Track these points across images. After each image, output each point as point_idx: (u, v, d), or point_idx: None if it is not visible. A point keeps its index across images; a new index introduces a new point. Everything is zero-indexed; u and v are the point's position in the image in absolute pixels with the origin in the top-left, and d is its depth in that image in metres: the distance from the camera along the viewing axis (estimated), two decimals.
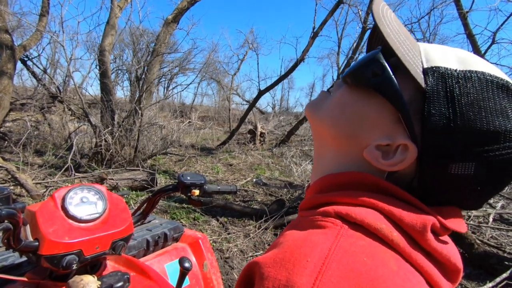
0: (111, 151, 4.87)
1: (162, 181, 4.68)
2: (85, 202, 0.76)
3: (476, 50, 7.66)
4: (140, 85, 5.84)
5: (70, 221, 0.71)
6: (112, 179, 3.82)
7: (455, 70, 0.34)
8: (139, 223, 0.91)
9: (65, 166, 4.11)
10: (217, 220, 3.49)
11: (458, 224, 0.37)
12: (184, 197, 0.91)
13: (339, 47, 10.21)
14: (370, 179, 0.37)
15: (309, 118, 0.46)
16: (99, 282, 0.69)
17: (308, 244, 0.31)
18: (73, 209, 0.73)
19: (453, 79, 0.34)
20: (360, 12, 8.38)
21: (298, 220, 0.40)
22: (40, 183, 3.73)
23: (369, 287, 0.27)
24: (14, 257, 0.93)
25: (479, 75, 0.34)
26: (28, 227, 0.69)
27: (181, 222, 3.36)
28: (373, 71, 0.37)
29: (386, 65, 0.36)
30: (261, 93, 8.29)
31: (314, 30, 7.28)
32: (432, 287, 0.35)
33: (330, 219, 0.34)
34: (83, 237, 0.70)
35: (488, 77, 0.34)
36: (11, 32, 5.77)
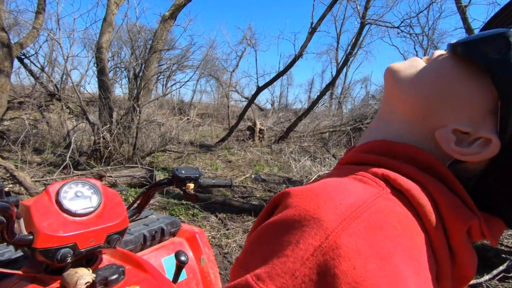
0: (109, 148, 4.87)
1: (161, 178, 4.68)
2: (80, 196, 0.77)
3: None
4: (138, 83, 5.82)
5: (65, 215, 0.72)
6: (111, 176, 3.82)
7: None
8: (134, 217, 0.92)
9: (64, 164, 4.11)
10: (216, 216, 3.50)
11: (495, 237, 0.35)
12: (180, 191, 0.91)
13: (338, 42, 10.19)
14: (431, 160, 0.35)
15: (391, 80, 0.41)
16: (94, 275, 0.69)
17: (345, 190, 0.30)
18: (67, 203, 0.73)
19: None
20: (358, 7, 8.33)
21: (335, 171, 0.38)
22: (38, 181, 3.73)
23: (387, 253, 0.26)
24: (11, 253, 0.94)
25: None
26: (22, 221, 0.69)
27: (180, 219, 3.36)
28: (495, 48, 0.32)
29: (505, 44, 0.32)
30: (259, 89, 8.27)
31: (312, 26, 7.25)
32: (438, 282, 0.34)
33: (375, 179, 0.33)
34: (78, 231, 0.71)
35: None
36: (8, 30, 5.74)
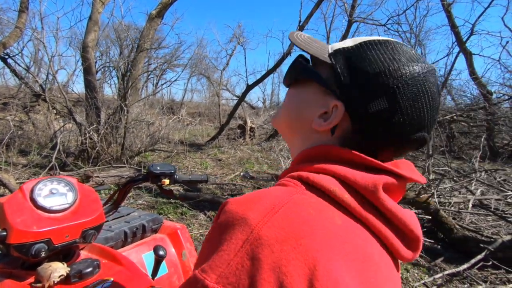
0: (97, 149, 4.83)
1: None
2: (55, 194, 0.79)
3: (459, 40, 7.82)
4: (125, 82, 5.77)
5: (39, 211, 0.74)
6: (98, 176, 3.80)
7: (348, 46, 0.46)
8: (111, 213, 0.94)
9: (50, 165, 4.06)
10: (205, 214, 3.52)
11: (413, 173, 0.44)
12: (155, 186, 0.94)
13: (328, 40, 10.25)
14: (334, 150, 0.44)
15: (275, 125, 0.56)
16: (68, 268, 0.72)
17: (269, 194, 0.37)
18: (42, 200, 0.75)
19: (346, 51, 0.46)
20: (346, 5, 8.43)
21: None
22: (24, 183, 3.68)
23: (307, 230, 0.33)
24: None
25: (363, 43, 0.46)
26: None
27: (169, 217, 3.38)
28: (299, 67, 0.50)
29: (303, 60, 0.50)
30: (249, 87, 8.29)
31: (300, 24, 7.30)
32: (388, 250, 0.41)
33: (293, 180, 0.40)
34: (52, 226, 0.73)
35: (368, 41, 0.46)
36: None
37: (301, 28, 7.26)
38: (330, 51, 0.47)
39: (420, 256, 2.88)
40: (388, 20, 8.00)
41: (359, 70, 0.43)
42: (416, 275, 2.56)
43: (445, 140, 9.13)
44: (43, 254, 0.71)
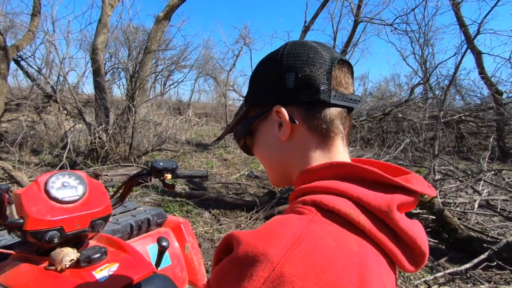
0: (105, 148, 4.95)
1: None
2: (66, 186, 0.85)
3: (468, 39, 7.72)
4: (133, 83, 5.90)
5: (52, 202, 0.81)
6: (107, 175, 3.90)
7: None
8: (117, 205, 1.00)
9: (60, 164, 4.19)
10: (210, 212, 3.59)
11: (424, 187, 0.44)
12: (159, 181, 1.00)
13: (335, 41, 10.23)
14: (343, 167, 0.43)
15: (259, 158, 0.60)
16: (78, 254, 0.78)
17: (285, 225, 0.37)
18: (54, 192, 0.82)
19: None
20: (352, 5, 8.42)
21: (286, 209, 0.47)
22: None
23: (327, 264, 0.33)
24: (6, 240, 1.03)
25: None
26: (13, 207, 0.78)
27: (174, 215, 3.46)
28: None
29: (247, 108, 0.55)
30: None
31: (306, 24, 7.33)
32: (393, 264, 0.42)
33: (307, 207, 0.40)
34: (64, 216, 0.79)
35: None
36: (4, 33, 5.81)
37: (306, 28, 7.29)
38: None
39: None
40: (395, 19, 7.95)
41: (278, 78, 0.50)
42: (418, 274, 2.57)
43: (454, 141, 9.02)
44: (56, 241, 0.77)
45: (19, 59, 6.43)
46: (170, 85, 17.55)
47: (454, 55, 6.44)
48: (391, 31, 8.25)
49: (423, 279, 2.42)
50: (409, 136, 8.09)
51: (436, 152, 4.76)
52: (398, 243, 0.41)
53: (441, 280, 2.46)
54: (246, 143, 0.56)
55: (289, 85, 0.47)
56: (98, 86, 5.81)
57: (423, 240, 0.43)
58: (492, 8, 4.70)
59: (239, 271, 0.34)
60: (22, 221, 0.75)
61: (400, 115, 8.57)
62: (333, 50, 0.50)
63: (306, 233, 0.35)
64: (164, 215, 1.41)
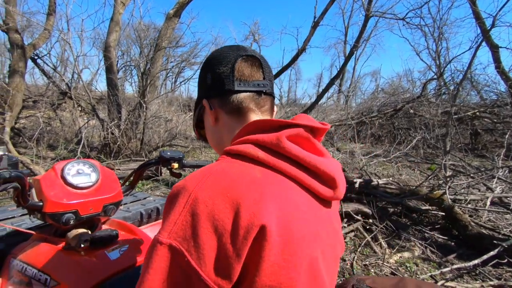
0: (118, 143, 5.09)
1: (166, 170, 4.88)
2: (81, 173, 0.92)
3: (484, 33, 7.49)
4: (145, 80, 6.02)
5: (68, 187, 0.87)
6: (119, 169, 4.02)
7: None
8: (127, 192, 1.06)
9: (75, 158, 4.34)
10: None
11: (309, 121, 0.55)
12: (169, 176, 1.05)
13: (346, 36, 10.11)
14: (248, 126, 0.56)
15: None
16: (92, 235, 0.84)
17: (202, 169, 0.48)
18: (70, 178, 0.88)
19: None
20: (363, 0, 8.28)
21: None
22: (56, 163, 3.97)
23: (232, 186, 0.43)
24: (27, 224, 1.10)
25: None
26: (33, 191, 0.84)
27: None
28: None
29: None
30: None
31: (315, 20, 7.27)
32: (309, 191, 0.51)
33: (222, 156, 0.54)
34: (79, 200, 0.86)
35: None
36: (21, 32, 6.01)
37: (316, 24, 7.23)
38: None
39: (432, 252, 2.88)
40: (408, 13, 7.77)
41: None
42: (425, 269, 2.57)
43: (468, 138, 8.79)
44: (71, 223, 0.84)
45: (36, 57, 6.64)
46: (180, 82, 17.75)
47: (469, 49, 6.27)
48: (404, 25, 8.08)
49: (429, 274, 2.42)
50: (420, 132, 7.94)
51: (448, 149, 4.68)
52: (304, 170, 0.50)
53: (449, 276, 2.45)
54: (200, 133, 0.71)
55: (208, 82, 0.62)
56: (111, 83, 5.96)
57: (329, 166, 0.52)
58: (508, 0, 4.55)
59: (168, 204, 0.45)
60: (41, 204, 0.81)
61: (411, 111, 8.41)
62: (244, 48, 0.62)
63: (216, 169, 0.47)
64: None
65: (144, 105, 5.31)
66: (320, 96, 9.05)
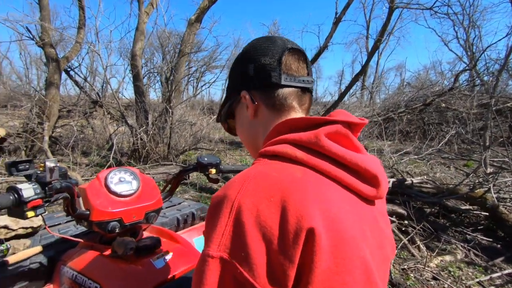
0: (146, 148, 5.25)
1: (194, 173, 4.96)
2: (123, 181, 0.93)
3: None
4: (169, 86, 6.17)
5: (112, 196, 0.88)
6: (149, 173, 4.14)
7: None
8: (167, 199, 1.07)
9: (108, 164, 4.53)
10: None
11: (348, 117, 0.53)
12: (196, 179, 1.05)
13: (367, 30, 9.80)
14: (282, 124, 0.55)
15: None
16: (137, 243, 0.85)
17: (239, 174, 0.47)
18: (113, 187, 0.90)
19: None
20: None
21: None
22: (88, 179, 4.17)
23: (274, 190, 0.42)
24: (72, 231, 1.14)
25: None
26: (81, 200, 0.86)
27: None
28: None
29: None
30: None
31: (337, 16, 7.10)
32: (351, 190, 0.48)
33: (259, 158, 0.52)
34: (122, 208, 0.87)
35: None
36: (55, 46, 6.39)
37: (338, 20, 7.06)
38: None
39: (476, 255, 2.68)
40: (435, 2, 7.37)
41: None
42: (470, 273, 2.40)
43: (507, 131, 8.18)
44: (117, 230, 0.85)
45: (69, 69, 7.04)
46: (202, 86, 18.06)
47: (506, 36, 5.82)
48: (431, 15, 7.69)
49: (477, 280, 2.25)
50: (454, 127, 7.50)
51: (487, 143, 4.37)
52: (345, 169, 0.48)
53: (498, 282, 2.27)
54: (229, 125, 0.70)
55: (250, 73, 0.58)
56: (138, 90, 6.17)
57: (370, 163, 0.49)
58: None
59: (211, 216, 0.43)
60: (88, 212, 0.83)
61: (443, 105, 7.97)
62: (287, 41, 0.60)
63: (254, 172, 0.45)
64: (206, 209, 1.47)
65: (170, 110, 5.45)
66: (343, 93, 8.83)
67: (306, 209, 0.40)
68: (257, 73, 0.57)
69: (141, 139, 5.22)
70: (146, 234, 1.02)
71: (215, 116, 9.35)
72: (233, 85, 0.63)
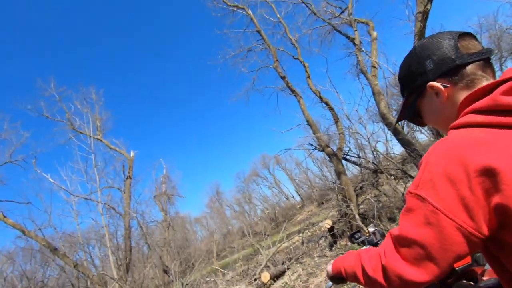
0: None
1: None
2: None
3: None
4: None
5: None
6: None
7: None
8: None
9: None
10: None
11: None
12: None
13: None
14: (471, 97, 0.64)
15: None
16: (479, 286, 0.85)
17: (436, 142, 0.61)
18: None
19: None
20: None
21: None
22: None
23: (456, 147, 0.56)
24: None
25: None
26: None
27: None
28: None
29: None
30: None
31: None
32: None
33: (450, 131, 0.64)
34: None
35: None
36: (329, 145, 8.23)
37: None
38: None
39: None
40: None
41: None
42: None
43: None
44: (452, 276, 0.91)
45: (345, 155, 8.57)
46: None
47: None
48: None
49: None
50: None
51: None
52: None
53: None
54: (420, 122, 0.80)
55: (430, 67, 0.68)
56: (404, 143, 6.20)
57: None
58: None
59: (419, 170, 0.62)
60: None
61: None
62: (451, 31, 0.69)
63: (443, 139, 0.60)
64: None
65: None
66: None
67: (487, 155, 0.51)
68: (438, 63, 0.67)
69: None
70: (485, 279, 0.97)
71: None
72: (410, 86, 0.74)
